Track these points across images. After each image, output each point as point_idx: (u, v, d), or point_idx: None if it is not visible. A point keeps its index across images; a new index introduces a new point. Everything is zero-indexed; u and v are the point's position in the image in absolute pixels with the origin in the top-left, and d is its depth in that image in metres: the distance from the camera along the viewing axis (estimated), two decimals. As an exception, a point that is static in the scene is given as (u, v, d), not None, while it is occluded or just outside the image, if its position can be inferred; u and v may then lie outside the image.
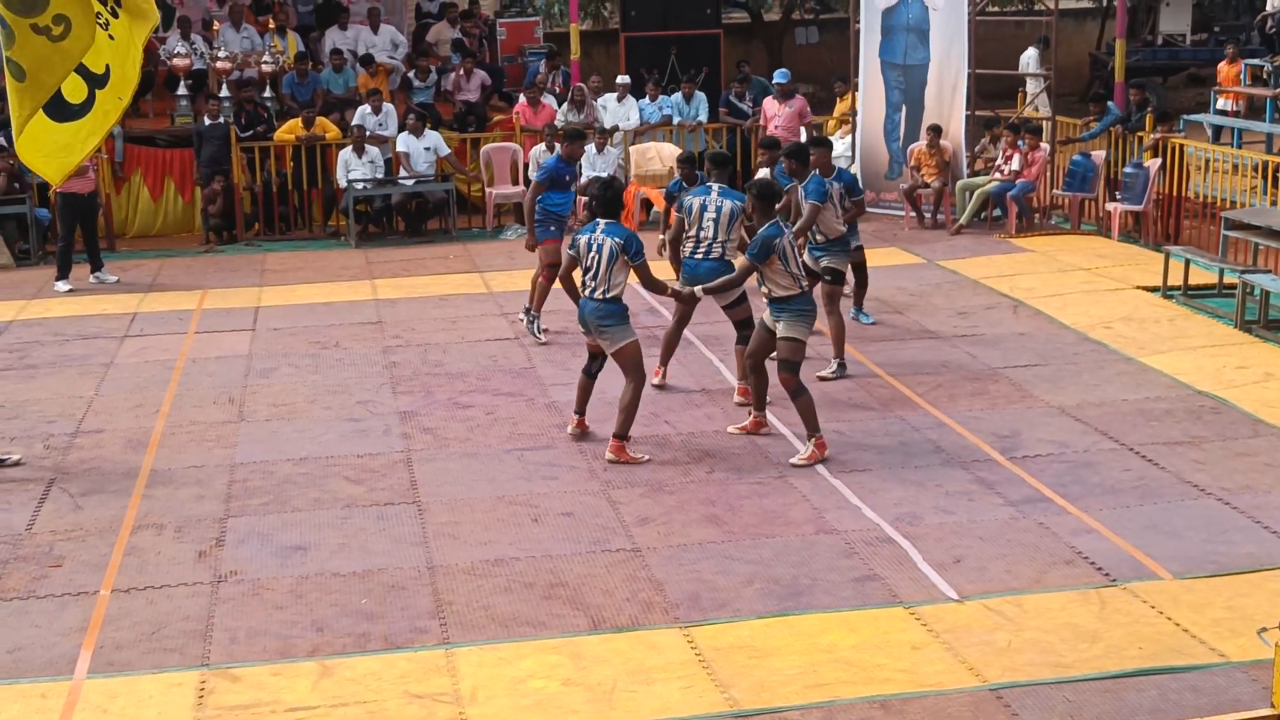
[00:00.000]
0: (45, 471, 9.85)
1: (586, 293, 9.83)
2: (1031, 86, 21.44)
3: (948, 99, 17.53)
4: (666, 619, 7.46)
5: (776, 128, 17.89)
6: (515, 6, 27.85)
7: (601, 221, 9.83)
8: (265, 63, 19.22)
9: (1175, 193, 16.32)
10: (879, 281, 13.96)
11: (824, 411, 9.97)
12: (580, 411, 10.24)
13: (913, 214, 17.49)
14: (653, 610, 7.57)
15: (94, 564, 8.30)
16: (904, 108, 17.95)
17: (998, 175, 16.99)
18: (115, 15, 5.24)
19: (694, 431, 10.35)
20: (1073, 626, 7.27)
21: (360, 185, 17.37)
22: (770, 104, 18.76)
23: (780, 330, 9.74)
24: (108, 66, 5.29)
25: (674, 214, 11.61)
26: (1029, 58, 23.02)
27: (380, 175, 17.56)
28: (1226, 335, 12.47)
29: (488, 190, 18.33)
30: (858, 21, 18.25)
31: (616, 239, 9.68)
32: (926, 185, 17.42)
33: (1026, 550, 8.20)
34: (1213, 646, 7.04)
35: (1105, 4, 29.92)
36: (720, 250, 10.81)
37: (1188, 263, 13.74)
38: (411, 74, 20.04)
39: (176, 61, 18.75)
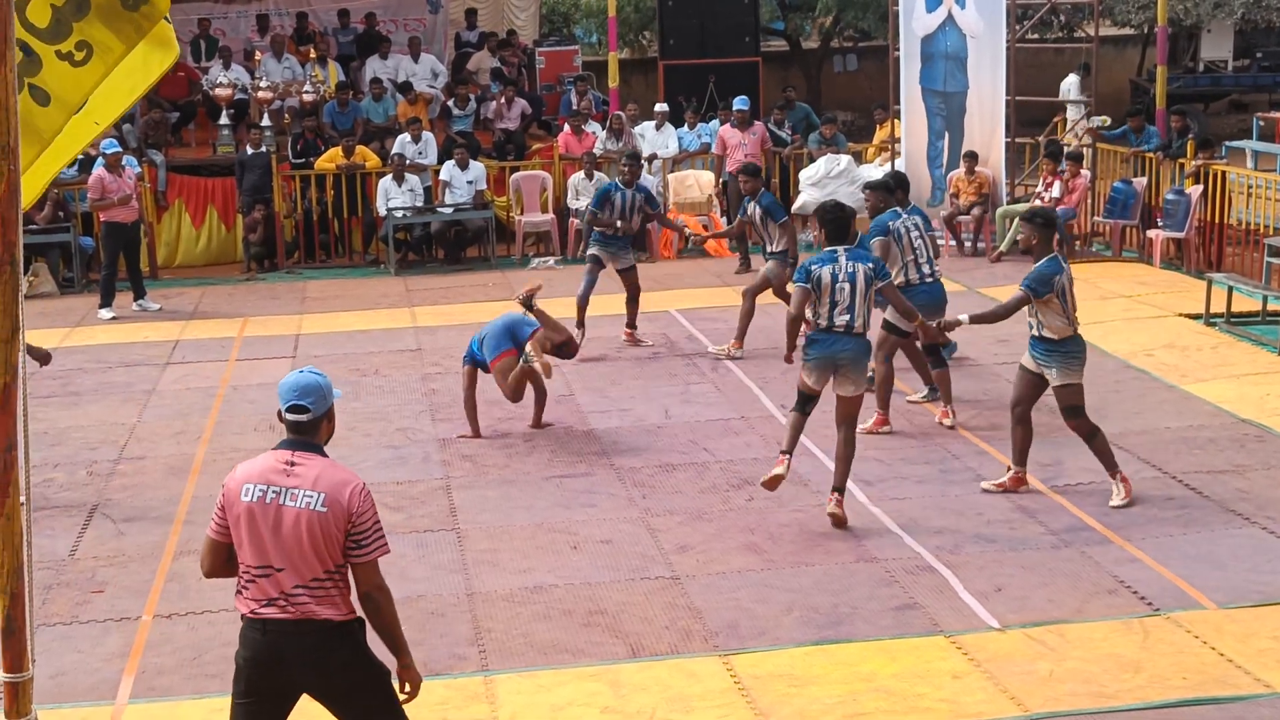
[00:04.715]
0: (88, 498, 9.92)
1: None
2: (1072, 113, 21.37)
3: (988, 126, 17.50)
4: (706, 647, 7.44)
5: (747, 156, 17.32)
6: (555, 35, 28.01)
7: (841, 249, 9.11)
8: (306, 92, 19.39)
9: (1217, 219, 16.22)
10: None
11: (863, 440, 9.87)
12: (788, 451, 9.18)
13: (953, 241, 17.45)
14: (692, 638, 7.55)
15: (136, 590, 8.35)
16: (946, 134, 17.93)
17: (1038, 202, 16.93)
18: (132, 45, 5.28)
19: (733, 459, 10.33)
20: (1116, 656, 7.21)
21: (400, 213, 17.46)
22: (730, 133, 18.07)
23: (1053, 379, 9.23)
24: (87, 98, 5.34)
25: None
26: (1070, 84, 22.97)
27: (420, 203, 17.65)
28: (1270, 363, 12.37)
29: (517, 218, 18.38)
30: (897, 49, 18.25)
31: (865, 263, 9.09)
32: (965, 212, 17.40)
33: (1068, 579, 8.14)
34: (1258, 677, 6.97)
35: (1146, 30, 29.79)
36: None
37: (1230, 290, 13.65)
38: (451, 102, 20.16)
39: (218, 91, 18.96)
